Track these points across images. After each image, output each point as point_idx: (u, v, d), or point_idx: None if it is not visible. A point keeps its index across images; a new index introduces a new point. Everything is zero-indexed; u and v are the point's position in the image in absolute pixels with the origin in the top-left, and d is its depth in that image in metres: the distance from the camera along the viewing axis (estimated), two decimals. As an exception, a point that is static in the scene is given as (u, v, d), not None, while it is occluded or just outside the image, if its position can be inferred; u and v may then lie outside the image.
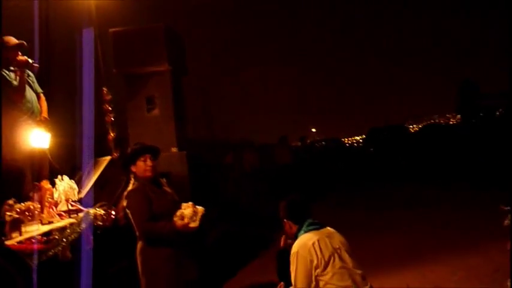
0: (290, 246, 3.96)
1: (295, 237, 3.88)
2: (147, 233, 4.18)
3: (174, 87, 7.33)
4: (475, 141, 18.19)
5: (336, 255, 3.70)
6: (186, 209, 4.18)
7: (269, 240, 9.09)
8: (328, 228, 3.93)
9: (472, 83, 29.53)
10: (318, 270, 3.65)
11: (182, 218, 4.14)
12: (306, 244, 3.71)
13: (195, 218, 4.16)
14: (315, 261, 3.64)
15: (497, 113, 27.11)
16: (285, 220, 4.02)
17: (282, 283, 4.10)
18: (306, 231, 3.82)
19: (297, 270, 3.69)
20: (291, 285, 3.87)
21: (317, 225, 3.89)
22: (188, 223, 4.12)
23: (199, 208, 4.24)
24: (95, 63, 5.50)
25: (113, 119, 5.96)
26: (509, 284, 5.04)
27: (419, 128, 38.37)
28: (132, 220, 4.22)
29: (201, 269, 4.62)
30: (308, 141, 19.91)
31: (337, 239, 3.83)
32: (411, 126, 46.29)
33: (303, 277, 3.67)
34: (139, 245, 4.28)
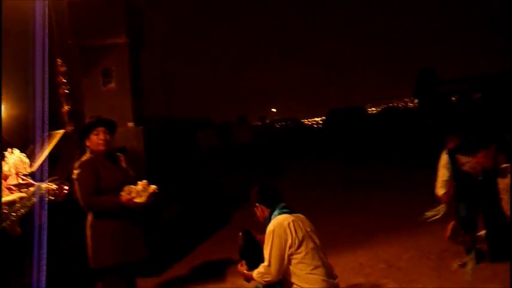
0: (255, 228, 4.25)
1: (268, 221, 4.01)
2: (90, 206, 4.16)
3: (132, 60, 7.12)
4: (432, 124, 18.57)
5: (308, 236, 3.91)
6: (138, 185, 4.15)
7: (226, 219, 9.13)
8: (299, 214, 4.12)
9: (430, 69, 30.14)
10: (292, 249, 3.83)
11: (130, 193, 4.10)
12: (281, 224, 3.87)
13: (142, 193, 4.12)
14: (290, 241, 3.81)
15: (453, 99, 27.80)
16: (257, 204, 4.13)
17: (243, 261, 4.15)
18: (280, 213, 3.98)
19: (272, 247, 3.82)
20: (253, 264, 3.99)
21: (289, 209, 4.06)
22: (133, 197, 4.08)
23: (152, 186, 4.20)
24: (49, 33, 5.31)
25: (67, 92, 5.79)
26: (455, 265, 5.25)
27: (378, 111, 38.98)
28: (78, 192, 4.17)
29: (154, 246, 4.59)
30: (268, 121, 19.92)
31: (307, 223, 4.05)
32: (370, 109, 46.99)
33: (278, 254, 3.82)
34: (89, 218, 4.24)
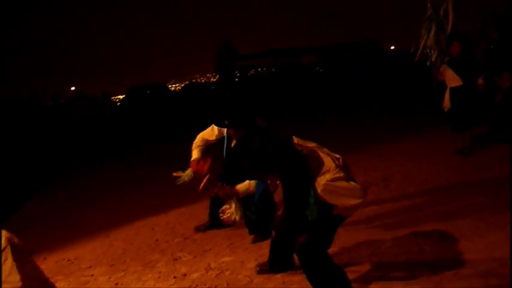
0: None
1: None
2: None
3: None
4: (230, 95, 19.28)
5: None
6: None
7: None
8: None
9: (230, 45, 31.34)
10: None
11: None
12: None
13: None
14: None
15: (251, 72, 29.44)
16: None
17: None
18: None
19: None
20: None
21: None
22: None
23: None
24: None
25: None
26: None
27: (181, 87, 39.40)
28: None
29: None
30: (63, 100, 18.50)
31: None
32: (173, 86, 47.27)
33: None
34: None
